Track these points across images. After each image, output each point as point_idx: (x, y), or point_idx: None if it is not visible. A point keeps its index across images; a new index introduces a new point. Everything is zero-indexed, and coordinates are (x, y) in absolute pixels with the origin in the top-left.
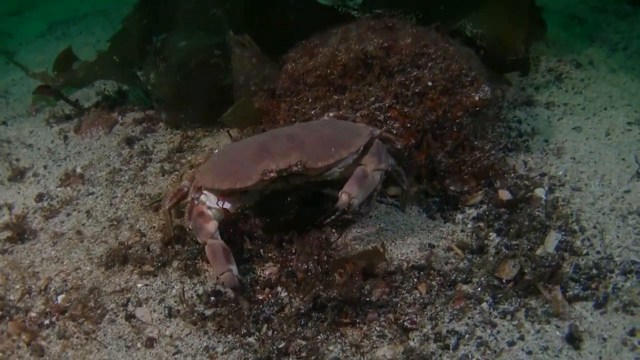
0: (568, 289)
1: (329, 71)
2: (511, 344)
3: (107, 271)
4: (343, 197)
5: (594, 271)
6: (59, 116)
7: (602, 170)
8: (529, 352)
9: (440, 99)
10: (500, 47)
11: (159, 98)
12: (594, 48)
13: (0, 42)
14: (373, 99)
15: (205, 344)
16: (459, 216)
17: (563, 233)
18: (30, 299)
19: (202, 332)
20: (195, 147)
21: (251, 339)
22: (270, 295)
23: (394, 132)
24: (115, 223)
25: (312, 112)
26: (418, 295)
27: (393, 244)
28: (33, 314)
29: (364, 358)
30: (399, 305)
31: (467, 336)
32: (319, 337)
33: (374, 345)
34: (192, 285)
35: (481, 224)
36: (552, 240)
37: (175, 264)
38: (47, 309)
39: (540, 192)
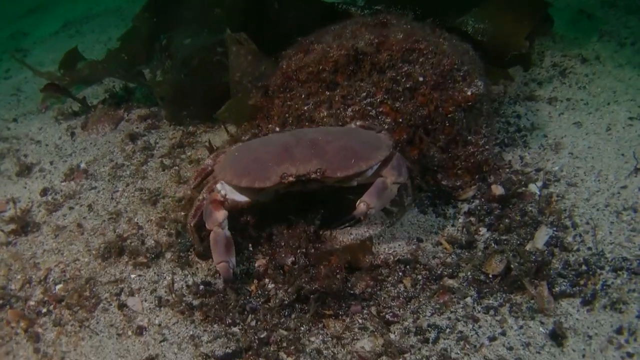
0: (555, 285)
1: (320, 67)
2: (492, 339)
3: (104, 262)
4: (361, 207)
5: (583, 267)
6: (67, 113)
7: (599, 166)
8: (510, 348)
9: (432, 94)
10: (502, 43)
11: (162, 95)
12: (601, 43)
13: (15, 40)
14: (364, 94)
15: (191, 332)
16: (451, 211)
17: (554, 229)
18: (30, 289)
19: (189, 322)
20: (195, 142)
21: (235, 329)
22: (257, 287)
23: (385, 127)
24: (114, 216)
25: (305, 108)
26: (403, 288)
27: (381, 237)
28: (32, 303)
29: (344, 349)
30: (382, 298)
31: (447, 330)
32: (302, 328)
33: (355, 337)
34: (184, 277)
35: (472, 219)
36: (542, 235)
37: (168, 255)
38: (45, 298)
39: (534, 187)
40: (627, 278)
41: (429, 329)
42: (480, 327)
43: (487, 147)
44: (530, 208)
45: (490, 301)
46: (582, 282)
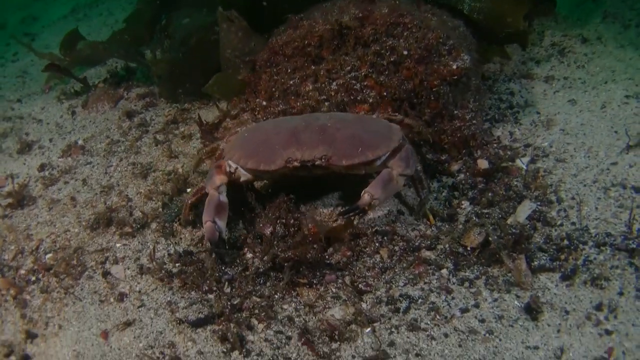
0: (534, 259)
1: (306, 42)
2: (464, 310)
3: (92, 232)
4: (365, 197)
5: (565, 242)
6: (69, 93)
7: (590, 142)
8: (482, 320)
9: (416, 67)
10: (499, 21)
11: (159, 73)
12: (605, 24)
13: (26, 24)
14: (349, 68)
15: (168, 299)
16: (435, 184)
17: (539, 203)
18: (22, 258)
19: (167, 289)
20: (189, 119)
21: (211, 296)
22: (236, 256)
23: (370, 100)
24: (106, 190)
25: (291, 82)
26: (379, 259)
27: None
28: (22, 272)
29: (315, 317)
30: (358, 268)
31: (420, 301)
32: (276, 296)
33: (327, 306)
34: (166, 246)
35: (456, 193)
36: (525, 209)
37: (153, 225)
38: (35, 267)
39: (521, 162)
40: (611, 254)
41: (401, 298)
42: (453, 298)
43: (474, 121)
44: (515, 183)
45: (467, 273)
46: (563, 257)
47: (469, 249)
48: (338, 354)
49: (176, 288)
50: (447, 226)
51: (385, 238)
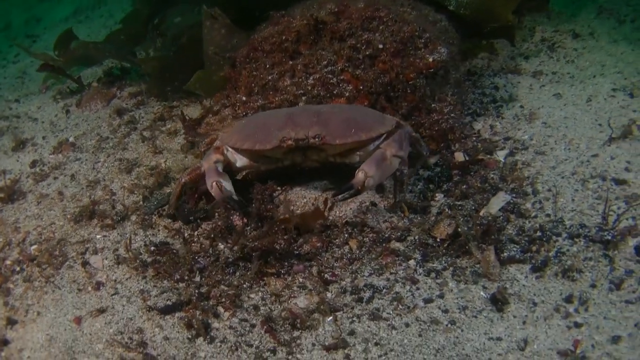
0: (504, 251)
1: (283, 38)
2: (428, 301)
3: (76, 225)
4: (359, 175)
5: (538, 234)
6: (65, 93)
7: (571, 135)
8: (445, 311)
9: (392, 61)
10: (487, 15)
11: (149, 72)
12: (599, 20)
13: (30, 26)
14: (325, 62)
15: (141, 287)
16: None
17: (513, 195)
18: (9, 250)
19: (141, 277)
20: (175, 116)
21: (182, 285)
22: (209, 247)
23: (347, 94)
24: (92, 184)
25: (269, 78)
26: (347, 250)
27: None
28: (8, 262)
29: (280, 306)
30: (326, 259)
31: (384, 291)
32: (244, 285)
33: (293, 295)
34: (144, 237)
35: (431, 186)
36: (499, 201)
37: (133, 218)
38: (20, 258)
39: (498, 155)
40: (584, 246)
41: (365, 288)
42: (418, 289)
43: (452, 115)
44: (492, 175)
45: (435, 264)
46: (534, 249)
47: (438, 240)
48: (299, 341)
49: (149, 277)
50: (419, 218)
51: (355, 229)
